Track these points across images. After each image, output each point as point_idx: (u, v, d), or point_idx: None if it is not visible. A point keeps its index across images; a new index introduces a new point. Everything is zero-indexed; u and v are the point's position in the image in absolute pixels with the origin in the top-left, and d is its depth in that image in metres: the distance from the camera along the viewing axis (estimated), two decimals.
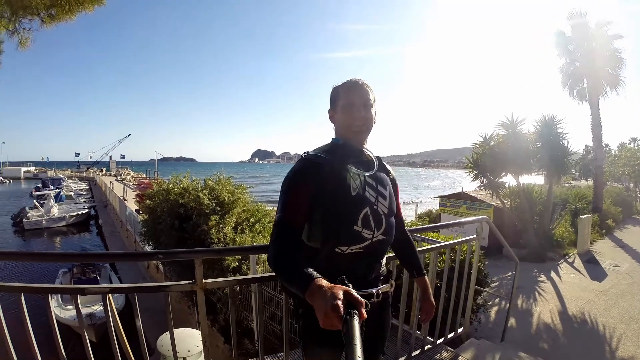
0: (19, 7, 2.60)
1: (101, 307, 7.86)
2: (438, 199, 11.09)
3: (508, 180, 7.90)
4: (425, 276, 1.55)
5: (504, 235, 8.81)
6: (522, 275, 6.26)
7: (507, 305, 4.10)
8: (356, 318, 0.74)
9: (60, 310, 7.78)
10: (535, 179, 9.87)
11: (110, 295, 1.67)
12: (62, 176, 52.55)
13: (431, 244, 2.95)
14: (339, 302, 0.77)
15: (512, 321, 4.34)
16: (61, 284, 9.54)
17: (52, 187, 33.48)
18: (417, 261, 1.56)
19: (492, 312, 4.77)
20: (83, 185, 44.94)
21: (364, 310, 0.77)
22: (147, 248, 8.00)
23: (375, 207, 1.26)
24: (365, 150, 1.36)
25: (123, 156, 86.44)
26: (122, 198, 19.02)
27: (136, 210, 13.03)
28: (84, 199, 31.33)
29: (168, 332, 1.79)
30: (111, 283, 9.95)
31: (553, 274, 6.75)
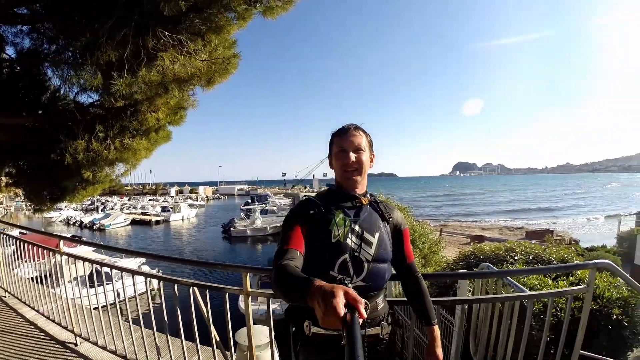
0: (181, 82, 3.84)
1: (278, 305, 9.66)
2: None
3: None
4: (435, 326, 1.45)
5: None
6: None
7: None
8: (356, 317, 0.74)
9: (244, 305, 9.61)
10: None
11: (194, 287, 2.44)
12: (269, 193, 62.71)
13: (515, 291, 2.57)
14: (339, 301, 0.77)
15: None
16: (250, 285, 11.57)
17: (259, 203, 39.83)
18: (427, 309, 1.47)
19: None
20: (287, 201, 49.08)
21: (363, 310, 0.77)
22: None
23: (356, 254, 1.30)
24: (359, 195, 1.41)
25: (325, 174, 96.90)
26: None
27: None
28: (287, 213, 35.94)
29: (245, 327, 2.44)
30: None
31: None
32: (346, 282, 0.97)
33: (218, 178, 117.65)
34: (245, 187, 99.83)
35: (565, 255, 4.84)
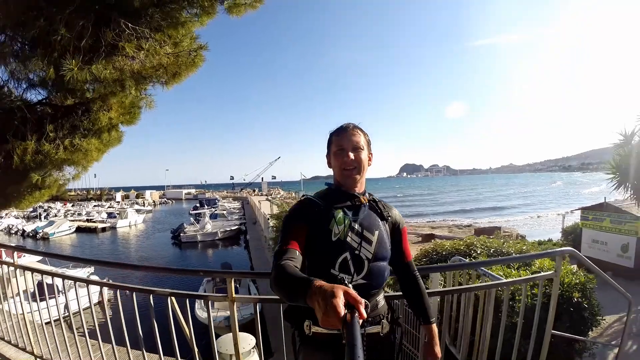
0: (140, 79, 3.59)
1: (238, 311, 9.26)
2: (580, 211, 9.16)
3: None
4: (434, 324, 1.47)
5: None
6: None
7: (627, 349, 3.28)
8: (356, 317, 0.74)
9: (201, 312, 8.91)
10: None
11: (172, 297, 2.27)
12: (217, 197, 61.54)
13: (491, 280, 2.69)
14: (339, 301, 0.76)
15: None
16: (204, 291, 11.04)
17: (208, 207, 39.33)
18: (424, 307, 1.48)
19: (610, 357, 3.76)
20: (236, 205, 48.27)
21: (363, 310, 0.76)
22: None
23: (356, 252, 1.30)
24: (358, 194, 1.42)
25: (274, 177, 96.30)
26: (265, 216, 19.39)
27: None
28: (236, 217, 34.62)
29: (227, 335, 2.29)
30: (249, 292, 11.12)
31: None
32: (346, 281, 0.95)
33: (165, 182, 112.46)
34: (192, 190, 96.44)
35: (524, 248, 5.18)
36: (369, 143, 1.47)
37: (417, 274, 1.53)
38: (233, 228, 28.07)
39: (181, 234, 26.65)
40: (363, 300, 0.78)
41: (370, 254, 1.32)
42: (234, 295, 2.14)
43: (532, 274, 3.73)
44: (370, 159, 1.47)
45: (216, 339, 2.21)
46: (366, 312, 0.77)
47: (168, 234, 29.68)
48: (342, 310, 0.75)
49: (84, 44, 2.77)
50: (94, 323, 2.31)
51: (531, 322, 2.38)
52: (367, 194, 1.46)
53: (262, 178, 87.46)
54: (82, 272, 11.92)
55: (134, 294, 2.25)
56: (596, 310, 3.34)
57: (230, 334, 2.91)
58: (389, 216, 1.45)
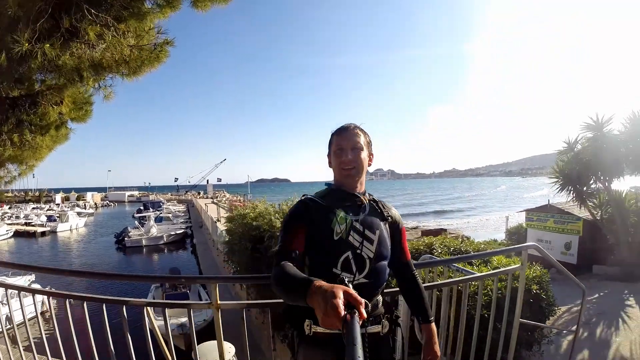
0: (99, 69, 3.31)
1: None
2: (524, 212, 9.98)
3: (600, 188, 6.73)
4: (432, 324, 1.49)
5: (594, 251, 7.70)
6: (608, 297, 5.41)
7: (579, 335, 3.59)
8: (356, 317, 0.74)
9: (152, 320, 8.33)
10: (633, 184, 8.09)
11: (147, 307, 2.10)
12: (162, 199, 59.10)
13: (465, 275, 2.80)
14: (339, 301, 0.77)
15: (584, 354, 3.80)
16: (153, 298, 10.36)
17: (153, 210, 37.62)
18: (423, 306, 1.50)
19: (564, 344, 4.12)
20: (181, 208, 46.51)
21: (363, 310, 0.77)
22: (230, 267, 8.56)
23: (358, 251, 1.31)
24: (359, 194, 1.42)
25: (219, 179, 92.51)
26: (214, 219, 19.13)
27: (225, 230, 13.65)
28: (182, 220, 33.45)
29: (205, 343, 2.15)
30: (200, 298, 10.70)
31: None
32: (346, 281, 0.94)
33: (107, 183, 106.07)
34: (136, 193, 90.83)
35: (482, 246, 5.49)
36: (369, 143, 1.49)
37: (416, 273, 1.56)
38: (179, 232, 27.06)
39: (125, 239, 25.26)
40: (363, 300, 0.79)
41: (372, 254, 1.33)
42: (218, 301, 2.04)
43: (492, 269, 3.98)
44: (370, 160, 1.49)
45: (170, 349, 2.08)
46: (366, 312, 0.78)
47: (111, 238, 28.05)
48: (342, 310, 0.75)
49: (40, 26, 2.49)
50: (57, 336, 2.07)
51: (496, 314, 2.52)
52: (367, 194, 1.47)
53: (208, 180, 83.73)
54: (23, 280, 10.75)
55: (104, 305, 2.05)
56: (552, 301, 3.63)
57: (208, 343, 2.78)
58: (389, 216, 1.47)
